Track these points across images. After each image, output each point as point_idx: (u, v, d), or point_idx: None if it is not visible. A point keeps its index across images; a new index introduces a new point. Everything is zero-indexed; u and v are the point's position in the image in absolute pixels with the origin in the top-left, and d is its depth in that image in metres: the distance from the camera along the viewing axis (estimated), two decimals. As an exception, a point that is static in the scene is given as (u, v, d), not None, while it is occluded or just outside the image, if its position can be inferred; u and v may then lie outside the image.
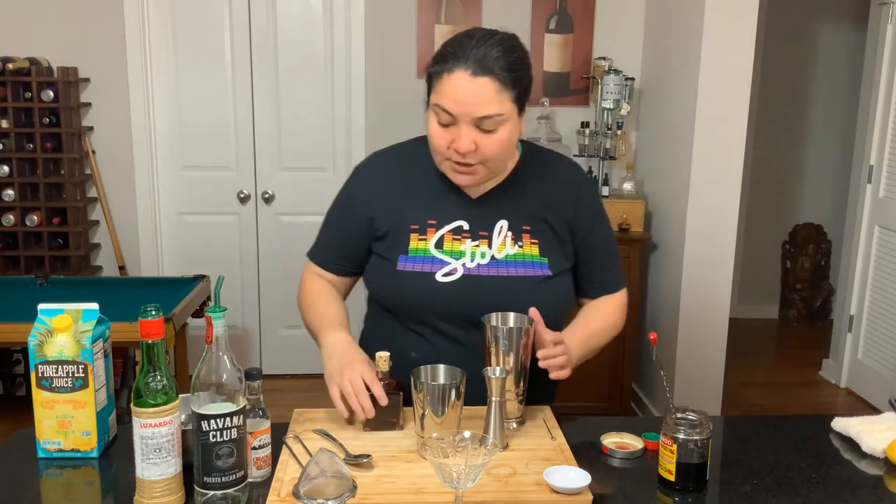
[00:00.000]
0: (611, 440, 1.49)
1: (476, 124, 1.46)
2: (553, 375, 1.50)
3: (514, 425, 1.51)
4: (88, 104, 3.91)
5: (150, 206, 4.04)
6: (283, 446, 1.41)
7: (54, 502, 1.34)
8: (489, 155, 1.50)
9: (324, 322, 1.64)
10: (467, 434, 1.22)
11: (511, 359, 1.48)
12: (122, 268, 4.00)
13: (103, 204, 3.96)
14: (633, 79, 3.78)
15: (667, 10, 3.68)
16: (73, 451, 1.41)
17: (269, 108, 4.05)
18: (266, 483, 1.30)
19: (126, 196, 4.01)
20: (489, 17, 3.94)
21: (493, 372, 1.41)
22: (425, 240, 1.60)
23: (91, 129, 3.94)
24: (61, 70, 3.75)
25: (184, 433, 1.26)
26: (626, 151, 3.87)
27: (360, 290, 1.77)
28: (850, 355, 4.24)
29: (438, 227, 1.60)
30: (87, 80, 3.89)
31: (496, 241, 1.60)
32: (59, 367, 1.37)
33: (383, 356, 1.49)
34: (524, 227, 1.62)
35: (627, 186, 3.82)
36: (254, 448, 1.30)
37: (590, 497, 1.27)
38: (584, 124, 3.84)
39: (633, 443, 1.48)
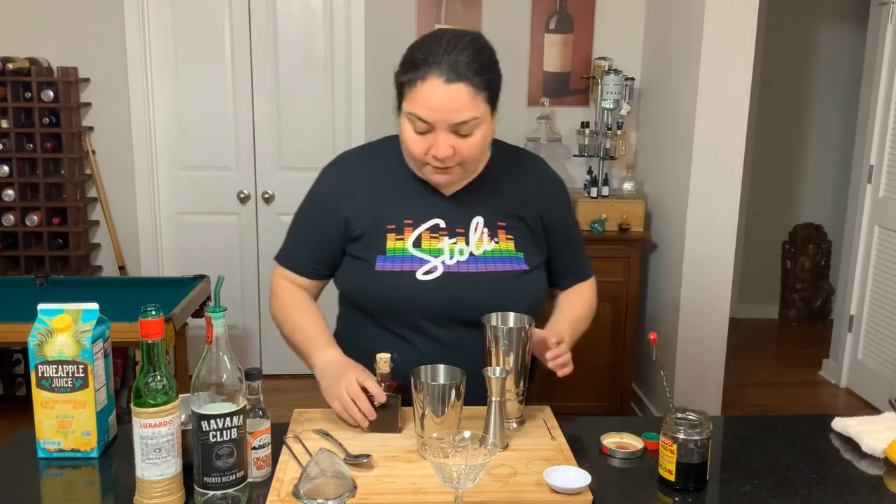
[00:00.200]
0: (611, 440, 1.49)
1: (453, 130, 1.47)
2: (560, 373, 1.51)
3: (514, 425, 1.51)
4: (88, 104, 3.91)
5: (150, 206, 4.04)
6: (283, 446, 1.41)
7: (54, 502, 1.34)
8: (467, 157, 1.51)
9: (309, 340, 1.63)
10: (467, 434, 1.22)
11: (511, 359, 1.48)
12: (122, 268, 4.00)
13: (103, 204, 3.96)
14: (633, 79, 3.78)
15: (667, 10, 3.68)
16: (73, 451, 1.41)
17: (269, 108, 4.05)
18: (266, 483, 1.30)
19: (126, 196, 4.01)
20: (489, 17, 3.94)
21: (493, 372, 1.41)
22: (402, 239, 1.60)
23: (91, 129, 3.94)
24: (61, 70, 3.75)
25: (184, 433, 1.26)
26: (626, 151, 3.87)
27: (330, 291, 1.75)
28: (850, 355, 4.24)
29: (415, 226, 1.61)
30: (87, 80, 3.89)
31: (473, 237, 1.61)
32: (59, 367, 1.37)
33: (384, 357, 1.49)
34: (499, 224, 1.63)
35: (627, 186, 3.82)
36: (254, 448, 1.30)
37: (590, 497, 1.27)
38: (584, 124, 3.84)
39: (633, 443, 1.48)
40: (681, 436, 1.31)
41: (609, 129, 3.73)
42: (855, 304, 4.18)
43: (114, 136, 3.95)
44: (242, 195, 4.12)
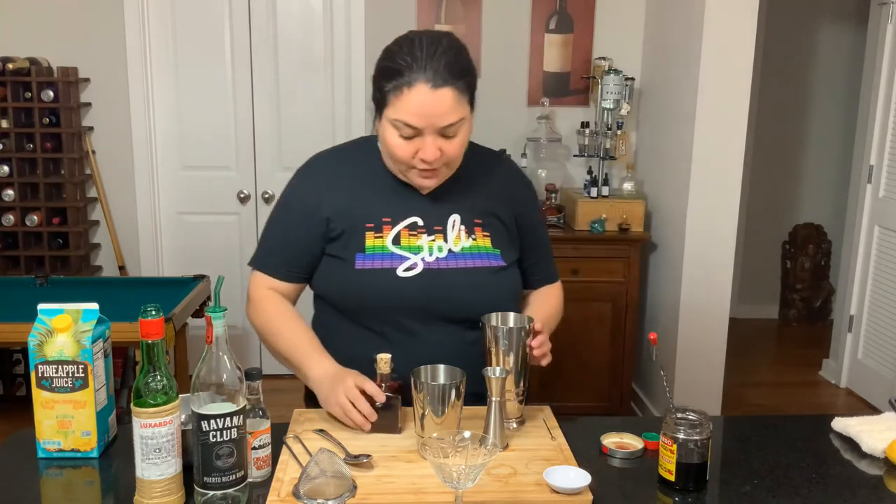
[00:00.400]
0: (611, 440, 1.49)
1: (440, 133, 1.50)
2: (543, 363, 1.54)
3: (515, 425, 1.51)
4: (88, 104, 3.91)
5: (150, 206, 4.04)
6: (283, 446, 1.41)
7: (54, 502, 1.34)
8: (453, 157, 1.54)
9: (301, 351, 1.61)
10: (467, 434, 1.22)
11: (511, 359, 1.48)
12: (122, 268, 4.00)
13: (103, 204, 3.96)
14: (633, 79, 3.77)
15: (667, 10, 3.68)
16: (73, 451, 1.41)
17: (269, 108, 4.05)
18: (266, 483, 1.30)
19: (126, 196, 4.01)
20: (489, 17, 3.94)
21: (493, 372, 1.41)
22: (381, 237, 1.61)
23: (91, 129, 3.94)
24: (61, 70, 3.75)
25: (184, 433, 1.26)
26: (626, 151, 3.87)
27: (306, 293, 1.74)
28: (850, 355, 4.24)
29: (394, 224, 1.62)
30: (87, 80, 3.89)
31: (451, 234, 1.63)
32: (59, 367, 1.37)
33: (384, 358, 1.49)
34: (476, 221, 1.65)
35: (627, 186, 3.82)
36: (254, 448, 1.30)
37: (590, 497, 1.27)
38: (584, 124, 3.84)
39: (633, 443, 1.48)
40: (681, 436, 1.31)
41: (609, 129, 3.73)
42: (855, 304, 4.18)
43: (114, 136, 3.95)
44: (242, 195, 4.12)
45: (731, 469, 1.42)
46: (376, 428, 1.47)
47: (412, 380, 1.41)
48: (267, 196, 4.12)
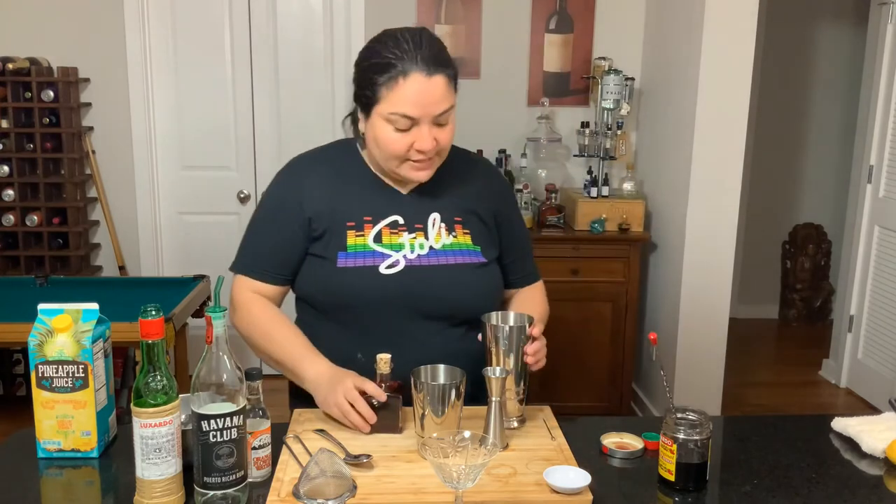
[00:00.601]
0: (611, 440, 1.49)
1: (434, 121, 1.52)
2: (537, 367, 1.54)
3: (515, 425, 1.51)
4: (88, 104, 3.91)
5: (150, 206, 4.04)
6: (283, 446, 1.41)
7: (54, 502, 1.34)
8: (445, 144, 1.57)
9: (294, 354, 1.61)
10: (467, 434, 1.22)
11: (511, 359, 1.48)
12: (122, 268, 4.00)
13: (103, 204, 3.96)
14: (633, 79, 3.77)
15: (667, 10, 3.68)
16: (73, 451, 1.41)
17: (269, 108, 4.05)
18: (266, 483, 1.30)
19: (126, 196, 4.01)
20: (489, 17, 3.94)
21: (493, 372, 1.41)
22: (363, 235, 1.61)
23: (91, 129, 3.94)
24: (61, 70, 3.75)
25: (184, 433, 1.26)
26: (626, 151, 3.87)
27: (288, 297, 1.74)
28: (850, 355, 4.24)
29: (375, 223, 1.63)
30: (87, 80, 3.89)
31: (432, 232, 1.64)
32: (59, 367, 1.37)
33: (384, 358, 1.49)
34: (456, 219, 1.66)
35: (627, 186, 3.82)
36: (254, 448, 1.30)
37: (590, 497, 1.27)
38: (584, 124, 3.84)
39: (633, 443, 1.48)
40: (681, 436, 1.31)
41: (609, 129, 3.73)
42: (855, 304, 4.18)
43: (114, 136, 3.95)
44: (242, 195, 4.12)
45: (731, 469, 1.42)
46: (376, 428, 1.47)
47: (412, 380, 1.41)
48: (267, 196, 4.12)
